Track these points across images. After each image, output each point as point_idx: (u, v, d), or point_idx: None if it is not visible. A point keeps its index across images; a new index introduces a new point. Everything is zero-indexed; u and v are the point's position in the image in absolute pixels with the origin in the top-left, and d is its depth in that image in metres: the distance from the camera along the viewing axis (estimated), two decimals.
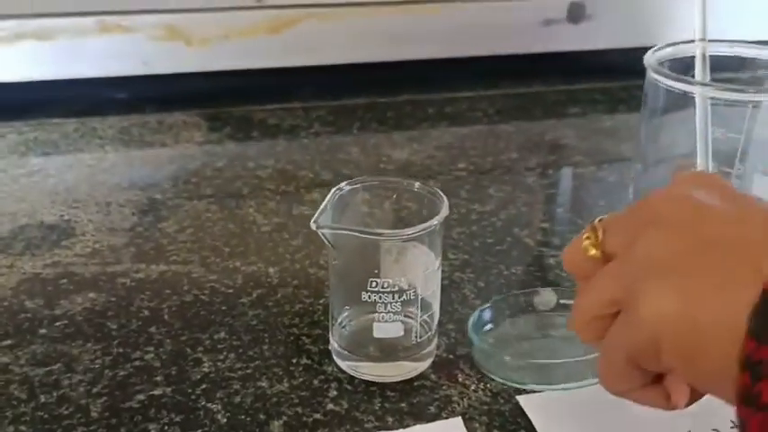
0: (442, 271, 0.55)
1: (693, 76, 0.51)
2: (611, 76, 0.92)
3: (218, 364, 0.47)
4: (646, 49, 0.54)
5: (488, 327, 0.49)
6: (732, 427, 0.42)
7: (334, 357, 0.47)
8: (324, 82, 0.89)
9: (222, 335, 0.49)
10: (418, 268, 0.44)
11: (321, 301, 0.53)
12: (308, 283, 0.55)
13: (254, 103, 0.85)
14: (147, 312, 0.52)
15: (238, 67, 0.84)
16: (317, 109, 0.85)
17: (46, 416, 0.43)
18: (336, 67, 0.86)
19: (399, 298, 0.43)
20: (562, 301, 0.51)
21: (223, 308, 0.52)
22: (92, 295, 0.53)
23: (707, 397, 0.33)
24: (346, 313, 0.46)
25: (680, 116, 0.51)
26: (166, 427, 0.42)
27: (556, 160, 0.76)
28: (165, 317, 0.51)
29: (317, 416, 0.43)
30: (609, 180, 0.71)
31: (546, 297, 0.51)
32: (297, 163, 0.73)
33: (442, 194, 0.45)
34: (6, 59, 0.78)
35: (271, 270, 0.56)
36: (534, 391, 0.44)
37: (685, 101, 0.50)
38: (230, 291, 0.54)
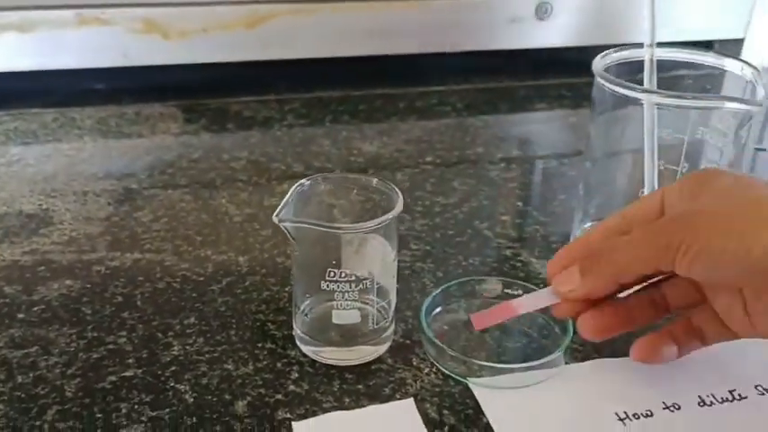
0: (404, 261, 0.58)
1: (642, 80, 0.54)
2: (577, 73, 0.94)
3: (187, 347, 0.50)
4: (610, 47, 0.56)
5: (438, 310, 0.52)
6: (664, 408, 0.46)
7: (297, 342, 0.50)
8: (299, 75, 0.91)
9: (192, 320, 0.52)
10: (376, 258, 0.47)
11: (287, 289, 0.55)
12: (275, 271, 0.58)
13: (230, 96, 0.88)
14: (120, 299, 0.54)
15: (215, 59, 0.86)
16: (291, 101, 0.87)
17: (23, 395, 0.46)
18: (311, 60, 0.88)
19: (356, 287, 0.46)
20: (506, 291, 0.54)
21: (194, 295, 0.55)
22: (68, 282, 0.56)
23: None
24: (308, 301, 0.49)
25: (626, 115, 0.54)
26: (137, 407, 0.45)
27: (521, 155, 0.79)
28: (138, 303, 0.54)
29: (279, 396, 0.46)
30: (569, 174, 0.74)
31: (492, 285, 0.54)
32: (270, 155, 0.76)
33: (397, 190, 0.48)
34: None
35: (240, 259, 0.59)
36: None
37: (632, 102, 0.53)
38: (201, 279, 0.57)
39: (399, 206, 0.46)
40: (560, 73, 0.95)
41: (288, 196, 0.47)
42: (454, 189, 0.70)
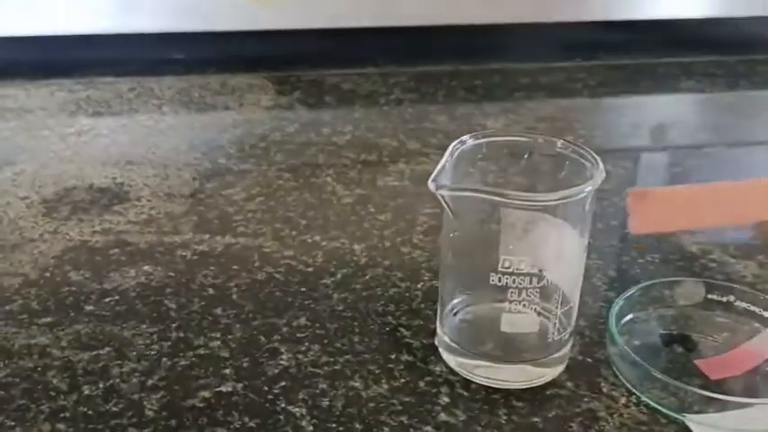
0: None
1: None
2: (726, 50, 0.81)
3: (300, 356, 0.38)
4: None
5: (626, 319, 0.39)
6: None
7: (442, 352, 0.38)
8: (400, 46, 0.80)
9: (302, 321, 0.41)
10: (562, 249, 0.35)
11: (419, 286, 0.43)
12: (401, 264, 0.46)
13: (324, 67, 0.77)
14: (211, 291, 0.43)
15: (310, 26, 0.75)
16: (397, 74, 0.76)
17: (90, 412, 0.35)
18: (415, 29, 0.77)
19: (538, 284, 0.34)
20: (710, 296, 0.41)
21: (302, 289, 0.43)
22: (147, 268, 0.45)
23: None
24: (461, 298, 0.37)
25: None
26: None
27: (679, 138, 0.66)
28: (234, 297, 0.42)
29: (428, 428, 0.34)
30: (752, 159, 0.60)
31: (690, 289, 0.41)
32: (378, 130, 0.64)
33: (594, 155, 0.35)
34: (55, 11, 0.70)
35: (356, 247, 0.47)
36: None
37: None
38: (309, 269, 0.45)
39: (600, 175, 0.34)
40: (707, 48, 0.81)
41: (444, 158, 0.35)
42: (608, 173, 0.57)
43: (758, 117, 0.72)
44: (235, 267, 0.45)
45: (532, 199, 0.33)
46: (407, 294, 0.43)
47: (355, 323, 0.41)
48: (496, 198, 0.33)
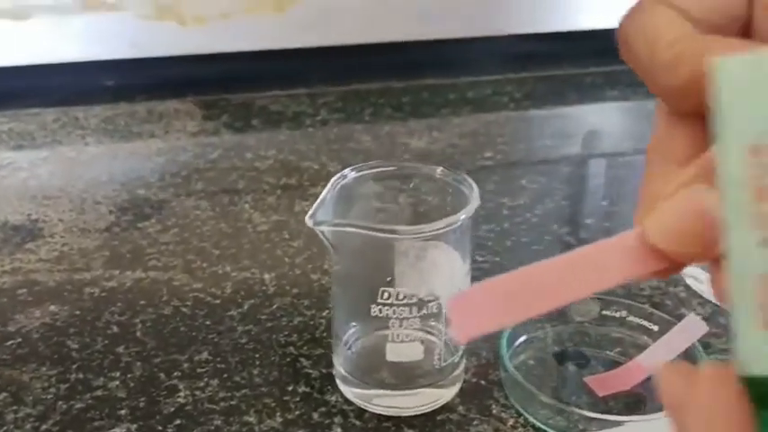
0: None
1: None
2: None
3: (197, 393, 0.38)
4: None
5: (520, 340, 0.40)
6: None
7: (339, 384, 0.38)
8: (332, 66, 0.80)
9: (204, 356, 0.41)
10: (443, 274, 0.35)
11: (324, 314, 0.44)
12: (309, 291, 0.46)
13: (254, 90, 0.77)
14: (116, 329, 0.43)
15: (238, 48, 0.75)
16: (325, 95, 0.76)
17: None
18: (346, 48, 0.77)
19: (419, 312, 0.34)
20: (605, 312, 0.42)
21: (207, 322, 0.44)
22: (53, 308, 0.45)
23: None
24: (352, 330, 0.38)
25: None
26: None
27: (597, 148, 0.67)
28: (138, 334, 0.43)
29: None
30: None
31: (586, 306, 0.42)
32: (301, 153, 0.64)
33: (470, 181, 0.36)
34: None
35: (266, 276, 0.48)
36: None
37: None
38: (217, 301, 0.45)
39: (475, 202, 0.35)
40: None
41: (325, 192, 0.35)
42: (523, 188, 0.58)
43: None
44: (142, 303, 0.45)
45: (411, 232, 0.34)
46: (312, 323, 0.43)
47: (257, 355, 0.41)
48: (380, 234, 0.33)
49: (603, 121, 0.74)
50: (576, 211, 0.55)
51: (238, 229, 0.53)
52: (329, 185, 0.36)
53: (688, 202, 0.19)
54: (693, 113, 0.20)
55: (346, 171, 0.37)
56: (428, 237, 0.33)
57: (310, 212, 0.34)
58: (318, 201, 0.34)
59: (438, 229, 0.33)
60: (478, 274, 0.47)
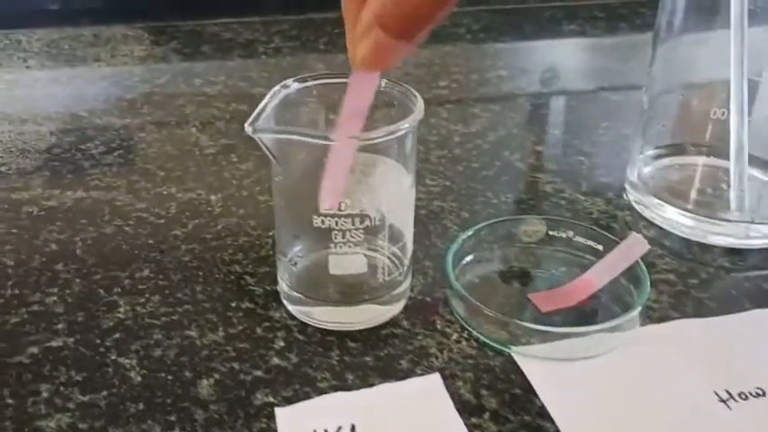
0: (420, 199, 0.46)
1: None
2: None
3: (138, 308, 0.38)
4: None
5: (467, 259, 0.40)
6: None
7: (284, 301, 0.38)
8: None
9: (146, 273, 0.40)
10: (386, 187, 0.35)
11: (271, 234, 0.43)
12: (256, 212, 0.45)
13: (205, 17, 0.75)
14: (54, 246, 0.42)
15: None
16: (279, 23, 0.74)
17: None
18: None
19: (361, 224, 0.34)
20: (552, 233, 0.42)
21: (150, 241, 0.43)
22: None
23: None
24: (297, 248, 0.37)
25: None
26: (63, 389, 0.33)
27: (553, 80, 0.66)
28: (77, 252, 0.42)
29: (258, 373, 0.34)
30: (613, 99, 0.61)
31: (533, 226, 0.42)
32: (252, 80, 0.63)
33: (415, 93, 0.35)
34: None
35: (212, 197, 0.47)
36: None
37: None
38: (161, 221, 0.44)
39: (419, 112, 0.34)
40: None
41: (266, 100, 0.34)
42: (476, 116, 0.57)
43: (636, 60, 0.73)
44: (82, 222, 0.44)
45: (356, 137, 0.33)
46: (258, 243, 0.43)
47: (200, 273, 0.40)
48: (318, 141, 0.32)
49: (561, 55, 0.74)
50: (527, 139, 0.55)
51: (185, 151, 0.52)
52: (270, 94, 0.35)
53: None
54: None
55: (289, 81, 0.36)
56: (371, 145, 0.33)
57: (250, 120, 0.33)
58: (258, 108, 0.33)
59: (377, 138, 0.32)
60: (429, 197, 0.47)
